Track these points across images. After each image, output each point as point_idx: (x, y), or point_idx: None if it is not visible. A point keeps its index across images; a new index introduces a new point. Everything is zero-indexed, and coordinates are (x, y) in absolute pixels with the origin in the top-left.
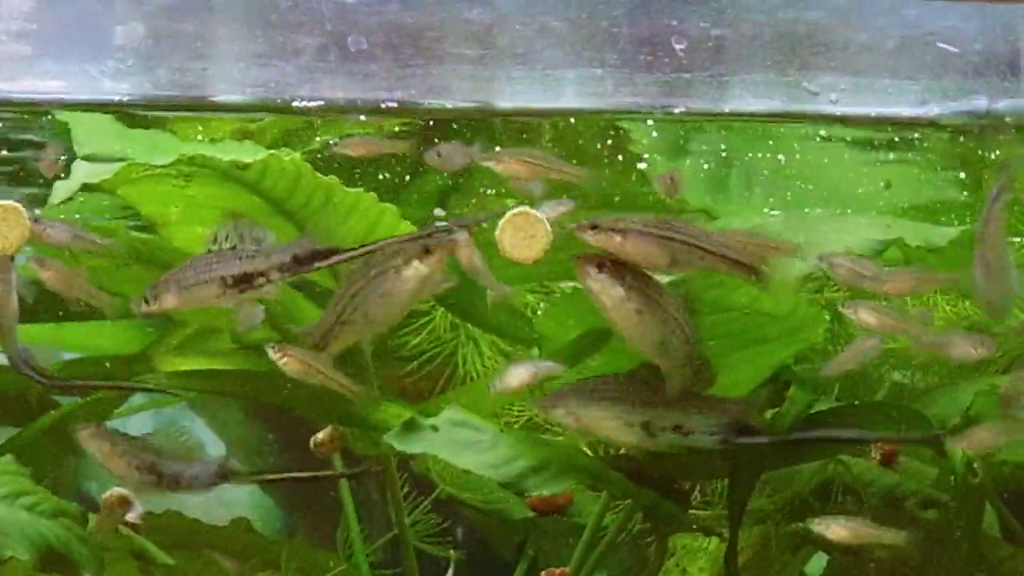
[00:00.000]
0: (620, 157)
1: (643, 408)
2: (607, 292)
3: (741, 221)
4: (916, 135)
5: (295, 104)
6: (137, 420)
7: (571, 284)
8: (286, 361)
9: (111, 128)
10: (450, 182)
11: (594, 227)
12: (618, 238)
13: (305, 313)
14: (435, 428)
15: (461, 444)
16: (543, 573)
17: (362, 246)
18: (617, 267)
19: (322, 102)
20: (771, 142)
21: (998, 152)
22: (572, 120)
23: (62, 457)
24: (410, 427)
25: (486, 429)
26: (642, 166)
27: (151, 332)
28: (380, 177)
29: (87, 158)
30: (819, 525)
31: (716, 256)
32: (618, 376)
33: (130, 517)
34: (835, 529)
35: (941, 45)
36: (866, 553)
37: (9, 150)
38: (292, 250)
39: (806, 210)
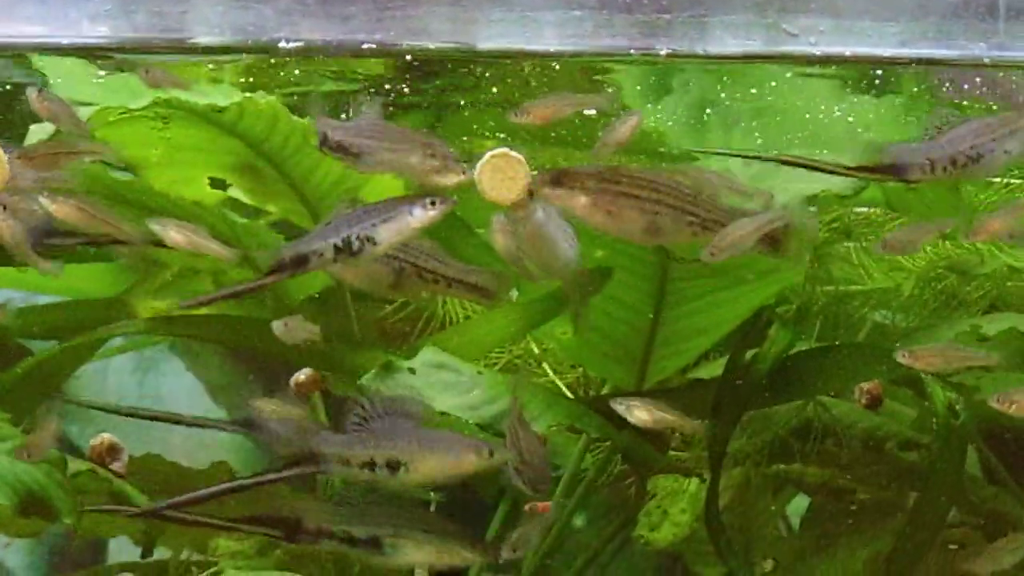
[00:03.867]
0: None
1: None
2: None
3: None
4: (894, 76)
5: (274, 47)
6: (118, 358)
7: None
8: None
9: (86, 72)
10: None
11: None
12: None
13: None
14: (412, 371)
15: (439, 386)
16: (527, 506)
17: None
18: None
19: (301, 44)
20: (750, 83)
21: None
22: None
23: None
24: (388, 369)
25: (464, 371)
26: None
27: (130, 275)
28: None
29: None
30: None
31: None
32: None
33: (116, 466)
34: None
35: None
36: (847, 494)
37: None
38: None
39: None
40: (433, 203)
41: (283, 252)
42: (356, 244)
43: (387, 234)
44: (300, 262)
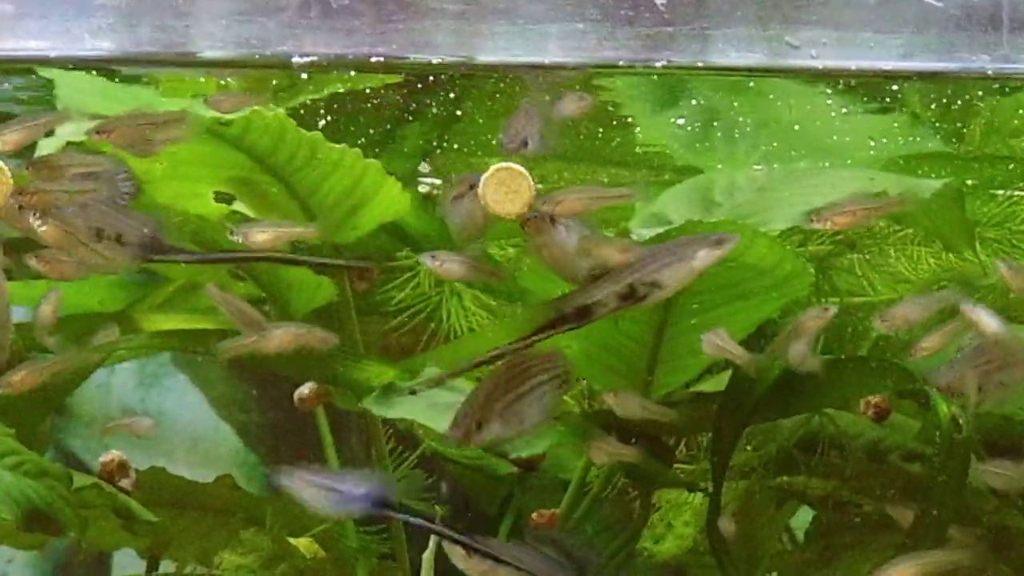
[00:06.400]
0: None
1: None
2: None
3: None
4: (897, 88)
5: (277, 60)
6: (121, 373)
7: None
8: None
9: (94, 85)
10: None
11: None
12: None
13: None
14: (414, 392)
15: (441, 407)
16: (533, 515)
17: None
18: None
19: (306, 58)
20: (755, 95)
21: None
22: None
23: (44, 416)
24: (389, 391)
25: (466, 391)
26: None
27: (134, 289)
28: (366, 132)
29: None
30: None
31: None
32: None
33: (124, 483)
34: None
35: None
36: (852, 507)
37: None
38: None
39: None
40: (719, 242)
41: (564, 304)
42: (642, 290)
43: (672, 278)
44: (583, 314)
